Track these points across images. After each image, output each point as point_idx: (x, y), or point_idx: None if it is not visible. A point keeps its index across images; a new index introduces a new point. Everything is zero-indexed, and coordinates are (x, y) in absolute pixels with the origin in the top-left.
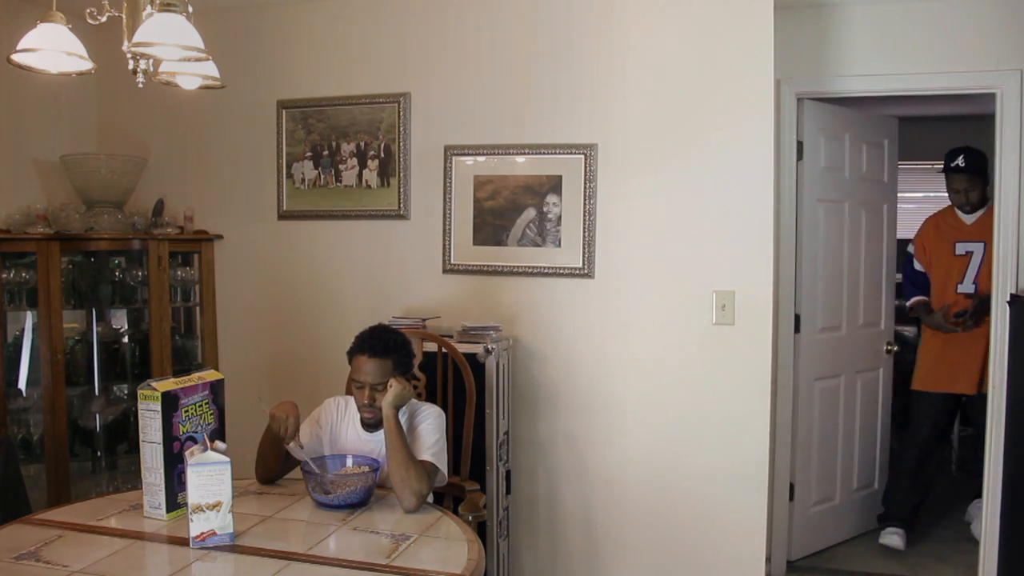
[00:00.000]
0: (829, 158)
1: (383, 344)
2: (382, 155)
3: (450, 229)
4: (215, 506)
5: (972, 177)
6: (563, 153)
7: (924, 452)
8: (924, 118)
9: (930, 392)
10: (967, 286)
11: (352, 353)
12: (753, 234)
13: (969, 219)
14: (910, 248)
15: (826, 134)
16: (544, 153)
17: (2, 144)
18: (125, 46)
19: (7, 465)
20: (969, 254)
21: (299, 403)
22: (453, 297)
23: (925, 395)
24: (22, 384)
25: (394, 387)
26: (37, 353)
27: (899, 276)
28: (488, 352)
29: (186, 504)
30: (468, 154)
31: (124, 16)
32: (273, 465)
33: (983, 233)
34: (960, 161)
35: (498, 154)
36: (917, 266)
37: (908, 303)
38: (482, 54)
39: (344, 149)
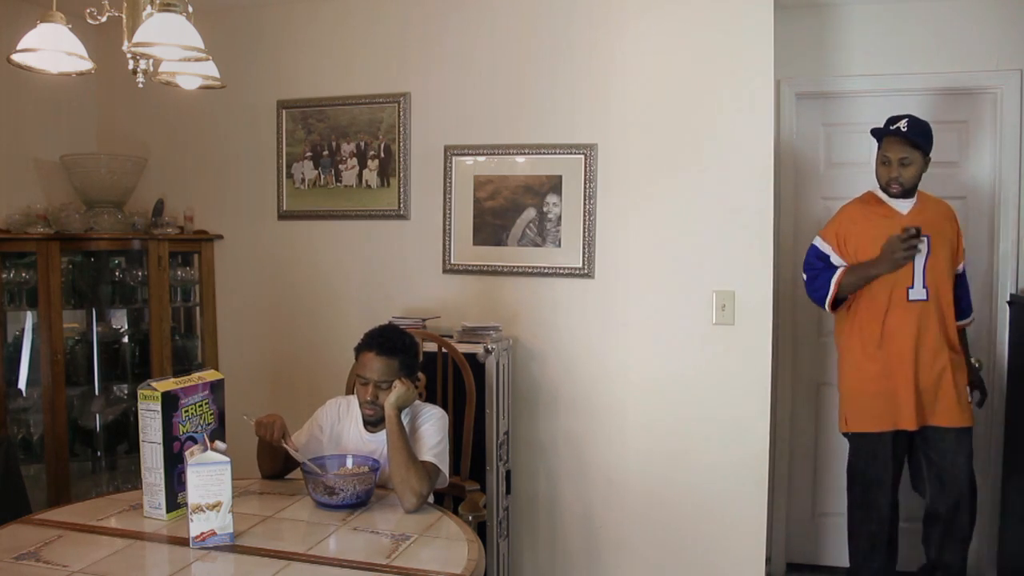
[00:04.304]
0: (827, 155)
1: (391, 343)
2: (382, 155)
3: (450, 229)
4: (215, 506)
5: (911, 148)
6: (563, 153)
7: (885, 511)
8: None
9: (876, 433)
10: (918, 291)
11: (360, 349)
12: (753, 234)
13: (903, 208)
14: (819, 244)
15: (827, 131)
16: (544, 153)
17: (2, 144)
18: (125, 46)
19: (7, 465)
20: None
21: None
22: (453, 297)
23: (868, 437)
24: (22, 384)
25: (398, 388)
26: (37, 353)
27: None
28: (488, 352)
29: (186, 504)
30: (468, 154)
31: (124, 16)
32: (273, 465)
33: (925, 226)
34: (903, 124)
35: (498, 154)
36: (837, 260)
37: (833, 284)
38: (482, 54)
39: (344, 149)
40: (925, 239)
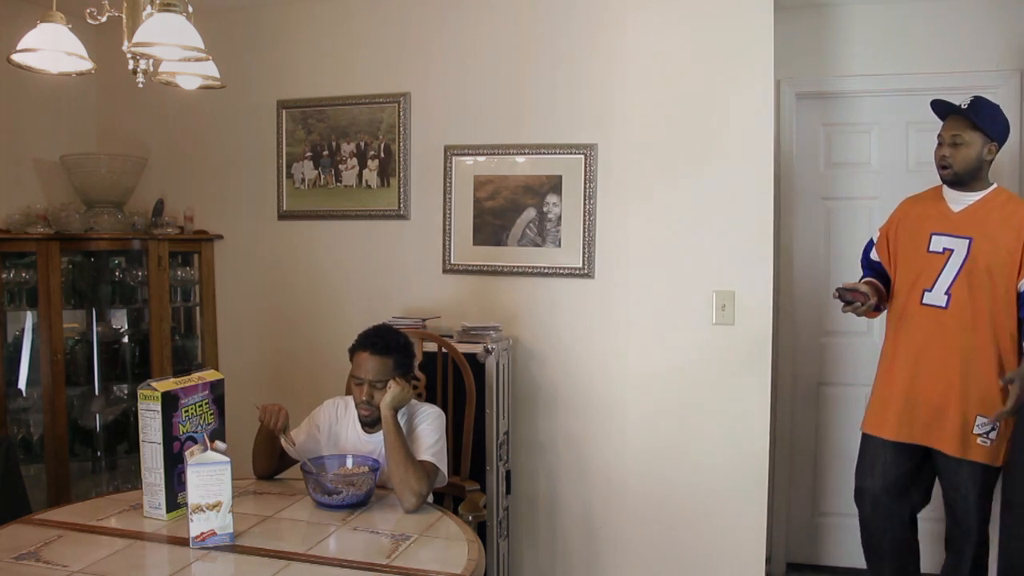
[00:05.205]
0: (828, 155)
1: (385, 342)
2: (382, 155)
3: (450, 229)
4: (215, 506)
5: (969, 128)
6: (563, 153)
7: (871, 520)
8: None
9: (867, 434)
10: (936, 296)
11: (354, 350)
12: (753, 234)
13: (957, 204)
14: (874, 235)
15: (827, 131)
16: (544, 153)
17: (2, 144)
18: (125, 46)
19: (7, 465)
20: (947, 252)
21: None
22: (453, 297)
23: (864, 437)
24: (22, 384)
25: (393, 388)
26: (37, 353)
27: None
28: (488, 352)
29: (186, 504)
30: (468, 154)
31: (124, 16)
32: (268, 462)
33: (971, 226)
34: (964, 102)
35: (498, 154)
36: (874, 256)
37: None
38: (482, 54)
39: (344, 149)
40: (854, 295)
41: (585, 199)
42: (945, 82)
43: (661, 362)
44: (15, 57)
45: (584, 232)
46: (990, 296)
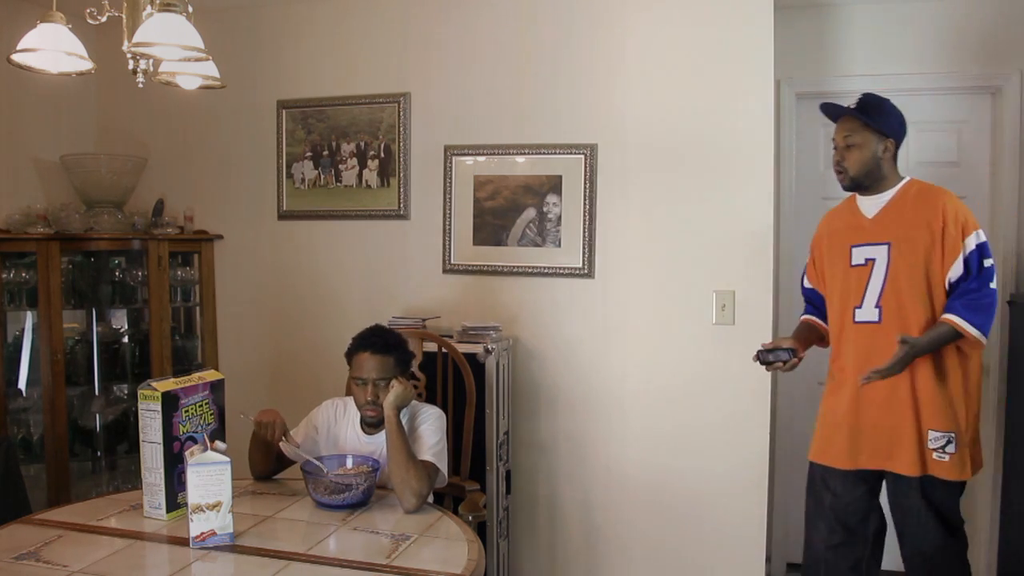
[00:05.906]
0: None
1: (384, 341)
2: (382, 155)
3: (450, 229)
4: (215, 506)
5: (861, 128)
6: (563, 153)
7: (817, 550)
8: None
9: (832, 468)
10: (867, 311)
11: (353, 352)
12: (753, 234)
13: (871, 209)
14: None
15: (827, 131)
16: (544, 153)
17: (2, 144)
18: (125, 46)
19: (7, 465)
20: (870, 263)
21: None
22: (453, 297)
23: (822, 470)
24: (22, 384)
25: (396, 387)
26: (37, 353)
27: None
28: (488, 352)
29: (186, 504)
30: (468, 154)
31: (124, 16)
32: (265, 464)
33: (887, 230)
34: (853, 102)
35: (498, 154)
36: (806, 283)
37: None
38: (482, 54)
39: (344, 149)
40: (778, 354)
41: (585, 199)
42: (945, 82)
43: (661, 362)
44: (15, 57)
45: (584, 232)
46: (922, 299)
